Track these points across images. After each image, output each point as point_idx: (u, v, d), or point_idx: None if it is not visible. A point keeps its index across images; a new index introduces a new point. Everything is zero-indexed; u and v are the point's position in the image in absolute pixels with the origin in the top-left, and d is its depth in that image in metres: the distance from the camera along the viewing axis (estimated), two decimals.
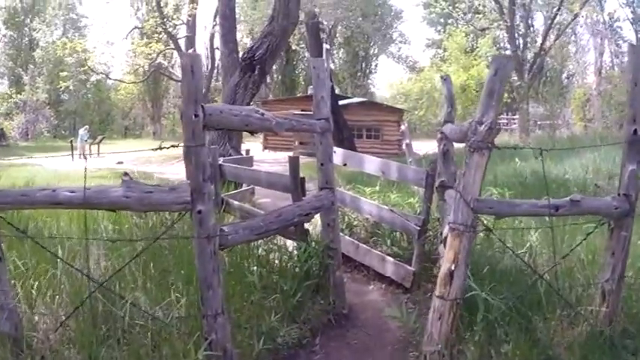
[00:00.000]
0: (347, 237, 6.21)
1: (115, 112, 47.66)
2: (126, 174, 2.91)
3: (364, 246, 5.94)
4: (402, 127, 9.30)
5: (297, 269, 4.51)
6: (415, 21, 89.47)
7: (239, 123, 3.23)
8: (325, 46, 5.49)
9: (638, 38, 34.28)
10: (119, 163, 20.75)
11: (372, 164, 6.03)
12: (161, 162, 20.41)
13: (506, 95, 40.86)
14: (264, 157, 24.42)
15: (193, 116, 2.88)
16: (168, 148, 3.05)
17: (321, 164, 4.46)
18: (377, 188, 6.90)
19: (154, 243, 3.58)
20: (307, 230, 4.79)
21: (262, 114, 3.41)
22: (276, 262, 4.78)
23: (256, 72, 9.92)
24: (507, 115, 37.69)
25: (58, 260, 3.67)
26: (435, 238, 5.62)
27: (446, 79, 5.32)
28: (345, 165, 6.32)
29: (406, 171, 5.66)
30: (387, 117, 26.91)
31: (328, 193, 4.46)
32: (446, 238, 3.39)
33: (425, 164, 10.83)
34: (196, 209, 2.95)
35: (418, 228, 5.24)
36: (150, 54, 28.39)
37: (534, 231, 5.21)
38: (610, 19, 37.31)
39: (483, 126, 3.14)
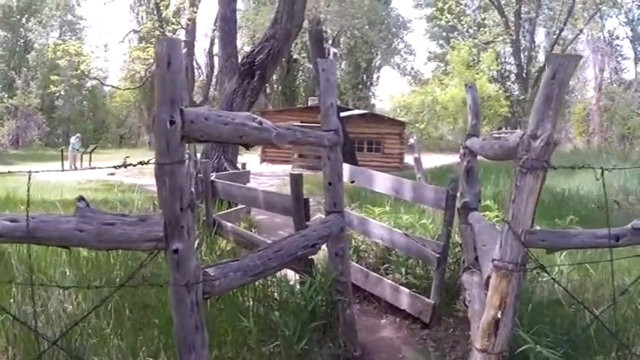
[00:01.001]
0: (355, 263, 5.53)
1: (110, 120, 46.72)
2: (81, 199, 2.22)
3: (374, 274, 5.26)
4: (411, 140, 8.66)
5: (301, 308, 3.82)
6: (417, 34, 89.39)
7: (231, 133, 2.55)
8: (333, 50, 4.91)
9: (636, 56, 34.68)
10: (111, 174, 20.07)
11: (383, 182, 5.36)
12: None
13: (506, 110, 40.64)
14: (262, 170, 23.75)
15: (168, 123, 2.21)
16: (135, 165, 2.35)
17: (329, 183, 3.79)
18: (387, 208, 6.21)
19: (118, 290, 2.87)
20: (312, 260, 4.11)
21: (260, 122, 2.75)
22: (276, 295, 4.09)
23: (256, 78, 9.19)
24: (506, 129, 37.23)
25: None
26: (457, 265, 4.94)
27: (471, 87, 4.67)
28: (352, 182, 5.66)
29: (423, 190, 4.98)
30: (389, 130, 26.26)
31: (337, 217, 3.79)
32: (488, 278, 2.71)
33: (429, 179, 10.25)
34: (172, 247, 2.27)
35: (438, 255, 4.57)
36: (147, 59, 27.46)
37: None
38: (610, 36, 37.60)
39: (539, 141, 2.48)
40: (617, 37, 38.16)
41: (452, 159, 23.94)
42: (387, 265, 5.40)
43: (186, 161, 5.27)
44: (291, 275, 4.40)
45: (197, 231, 5.97)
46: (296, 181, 3.98)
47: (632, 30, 36.00)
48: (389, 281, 5.09)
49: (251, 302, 3.99)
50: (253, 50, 9.51)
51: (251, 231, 7.63)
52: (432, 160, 22.11)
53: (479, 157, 4.49)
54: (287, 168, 23.80)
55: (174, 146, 2.24)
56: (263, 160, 26.43)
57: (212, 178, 6.00)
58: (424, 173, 8.75)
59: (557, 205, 8.22)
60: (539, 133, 2.49)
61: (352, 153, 19.88)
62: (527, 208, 2.52)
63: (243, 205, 6.83)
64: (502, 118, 40.64)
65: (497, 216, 5.76)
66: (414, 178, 10.04)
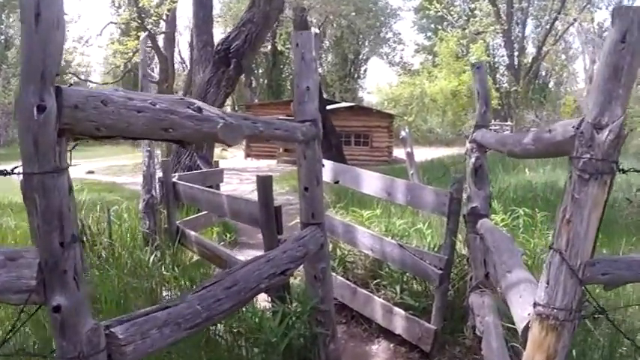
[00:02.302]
0: (340, 277, 4.73)
1: None
2: None
3: (364, 291, 4.46)
4: (403, 134, 7.81)
5: (273, 345, 3.00)
6: (406, 26, 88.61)
7: (149, 125, 1.71)
8: (314, 29, 4.20)
9: None
10: (89, 172, 19.25)
11: (372, 182, 4.54)
12: (136, 171, 18.88)
13: (495, 102, 40.08)
14: (247, 166, 22.88)
15: (35, 110, 1.37)
16: (6, 174, 1.53)
17: (305, 188, 2.97)
18: (377, 212, 5.40)
19: None
20: (287, 282, 3.29)
21: (199, 109, 1.92)
22: (242, 329, 3.27)
23: (232, 67, 8.20)
24: (495, 121, 36.62)
25: None
26: (462, 281, 4.15)
27: (479, 67, 3.85)
28: (336, 183, 4.84)
29: (420, 193, 4.16)
30: (377, 122, 25.38)
31: (315, 231, 2.98)
32: (526, 328, 1.90)
33: (422, 175, 9.44)
34: (51, 303, 1.45)
35: (440, 272, 3.78)
36: (126, 52, 26.21)
37: None
38: (600, 28, 37.24)
39: (606, 132, 1.67)
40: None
41: (442, 152, 23.26)
42: (378, 280, 4.59)
43: (147, 159, 4.22)
44: (262, 299, 3.59)
45: (157, 242, 5.15)
46: (264, 184, 3.14)
47: None
48: (381, 300, 4.29)
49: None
50: (229, 36, 8.48)
51: (226, 236, 6.81)
52: (421, 154, 21.32)
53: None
54: (272, 163, 22.93)
55: (46, 146, 1.40)
56: (248, 155, 25.48)
57: (174, 179, 5.15)
58: (417, 169, 7.95)
59: None
60: (605, 121, 1.68)
61: (340, 147, 19.03)
62: (589, 231, 1.71)
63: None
64: (492, 110, 40.10)
65: (503, 219, 4.99)
66: (404, 172, 9.21)
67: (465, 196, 3.89)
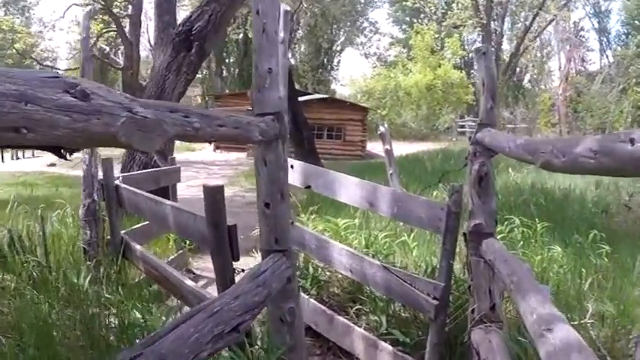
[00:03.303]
0: (312, 300, 3.99)
1: None
2: None
3: (342, 319, 3.73)
4: (382, 129, 7.11)
5: None
6: (380, 18, 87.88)
7: None
8: (283, 6, 3.54)
9: (602, 47, 34.76)
10: (51, 165, 18.14)
11: (351, 190, 3.78)
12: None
13: (471, 97, 39.83)
14: (215, 159, 21.95)
15: None
16: None
17: (266, 205, 2.22)
18: (356, 221, 4.66)
19: None
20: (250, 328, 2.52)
21: (83, 94, 1.14)
22: None
23: (193, 50, 7.32)
24: (468, 116, 36.34)
25: None
26: (462, 311, 3.44)
27: (485, 52, 3.12)
28: (307, 187, 4.09)
29: (410, 204, 3.42)
30: (351, 115, 24.61)
31: (280, 262, 2.23)
32: None
33: (399, 176, 8.67)
34: None
35: (435, 302, 3.07)
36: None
37: None
38: (575, 27, 37.39)
39: None
40: (583, 29, 38.17)
41: (416, 147, 22.59)
42: (359, 307, 3.87)
43: (87, 155, 3.26)
44: None
45: (98, 256, 4.32)
46: (213, 198, 2.36)
47: (598, 22, 35.93)
48: (362, 331, 3.57)
49: None
50: (190, 16, 7.47)
51: (185, 243, 5.96)
52: (395, 149, 20.65)
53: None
54: (242, 156, 21.99)
55: None
56: (217, 148, 24.44)
57: (117, 181, 4.30)
58: (396, 168, 7.26)
59: (560, 211, 6.80)
60: None
61: (311, 141, 18.20)
62: None
63: None
64: (465, 106, 39.80)
65: (500, 231, 4.33)
66: (381, 169, 8.46)
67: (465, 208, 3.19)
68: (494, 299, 3.04)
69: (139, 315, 3.20)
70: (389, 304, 3.61)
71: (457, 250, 3.23)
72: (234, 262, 2.55)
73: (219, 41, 8.37)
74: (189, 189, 11.81)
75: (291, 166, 3.81)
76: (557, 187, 8.60)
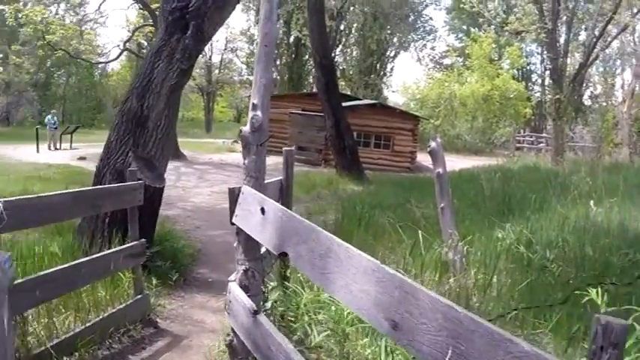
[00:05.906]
0: None
1: (106, 100, 44.04)
2: None
3: None
4: (433, 144, 5.24)
5: None
6: (436, 23, 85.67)
7: None
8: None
9: None
10: (81, 158, 17.73)
11: (357, 282, 1.84)
12: None
13: (530, 111, 37.51)
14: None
15: None
16: None
17: None
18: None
19: None
20: None
21: None
22: None
23: (189, 32, 5.79)
24: (525, 132, 34.17)
25: None
26: None
27: None
28: (283, 255, 2.61)
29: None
30: (400, 124, 22.89)
31: None
32: None
33: (451, 193, 6.87)
34: None
35: None
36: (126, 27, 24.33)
37: None
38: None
39: None
40: None
41: (470, 162, 20.63)
42: None
43: None
44: None
45: None
46: None
47: None
48: None
49: None
50: None
51: (154, 279, 4.83)
52: (449, 164, 18.88)
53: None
54: (280, 161, 20.87)
55: None
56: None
57: None
58: (450, 201, 5.42)
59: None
60: None
61: (354, 150, 16.93)
62: None
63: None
64: (524, 121, 37.56)
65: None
66: (430, 187, 6.31)
67: None
68: None
69: None
70: None
71: None
72: None
73: (223, 22, 6.82)
74: (212, 195, 10.81)
75: (262, 210, 2.60)
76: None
